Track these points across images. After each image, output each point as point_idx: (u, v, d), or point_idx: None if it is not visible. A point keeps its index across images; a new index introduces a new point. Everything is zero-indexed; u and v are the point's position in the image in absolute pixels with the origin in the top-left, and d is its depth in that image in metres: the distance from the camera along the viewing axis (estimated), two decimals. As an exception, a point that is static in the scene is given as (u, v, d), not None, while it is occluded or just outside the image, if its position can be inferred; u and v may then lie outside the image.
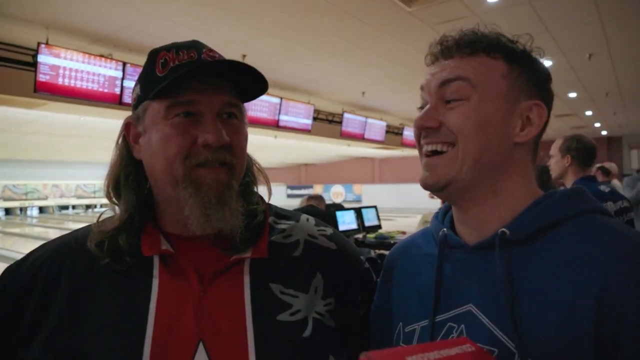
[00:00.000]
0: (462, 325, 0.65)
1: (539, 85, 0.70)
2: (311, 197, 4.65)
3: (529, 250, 0.63)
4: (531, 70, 0.70)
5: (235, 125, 0.74)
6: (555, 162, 2.56)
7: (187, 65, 0.71)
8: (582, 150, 2.47)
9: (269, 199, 0.85)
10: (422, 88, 0.73)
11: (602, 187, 2.55)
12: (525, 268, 0.62)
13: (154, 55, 0.76)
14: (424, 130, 0.70)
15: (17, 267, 0.77)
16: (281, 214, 0.85)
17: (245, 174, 0.80)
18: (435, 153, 0.69)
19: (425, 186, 0.70)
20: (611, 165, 4.47)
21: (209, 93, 0.72)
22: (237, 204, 0.73)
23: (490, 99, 0.66)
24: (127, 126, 0.78)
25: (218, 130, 0.70)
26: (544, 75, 0.72)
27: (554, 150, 2.58)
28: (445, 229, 0.73)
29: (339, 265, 0.80)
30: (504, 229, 0.64)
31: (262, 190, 0.85)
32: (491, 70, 0.68)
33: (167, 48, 0.75)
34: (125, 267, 0.72)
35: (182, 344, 0.66)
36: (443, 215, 0.78)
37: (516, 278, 0.62)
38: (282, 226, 0.81)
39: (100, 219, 0.77)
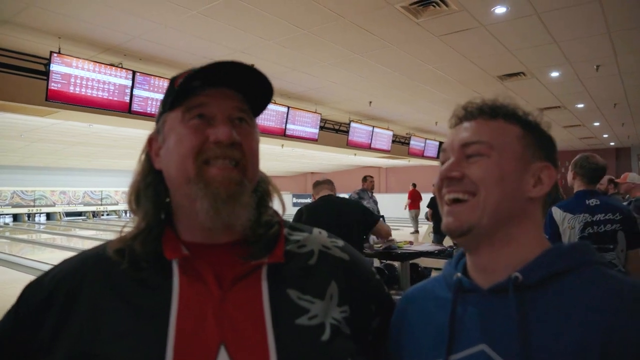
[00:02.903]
0: None
1: (549, 151, 0.79)
2: (320, 183, 4.09)
3: (541, 295, 0.69)
4: (542, 137, 0.79)
5: (245, 129, 0.77)
6: (568, 174, 3.04)
7: (197, 72, 0.74)
8: (585, 168, 2.88)
9: (283, 213, 0.87)
10: (444, 150, 0.81)
11: (590, 201, 2.81)
12: (537, 311, 0.68)
13: (174, 78, 0.79)
14: (447, 179, 0.77)
15: (38, 282, 0.79)
16: (294, 226, 0.88)
17: (260, 185, 0.82)
18: (456, 201, 0.76)
19: (449, 231, 0.76)
20: (633, 176, 4.50)
21: (220, 97, 0.76)
22: (249, 199, 0.75)
23: (507, 158, 0.75)
24: (149, 141, 0.82)
25: (228, 128, 0.74)
26: (552, 143, 0.81)
27: (571, 164, 3.01)
28: (459, 274, 0.78)
29: (352, 275, 0.82)
30: (517, 274, 0.70)
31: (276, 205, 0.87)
32: (508, 133, 0.76)
33: (188, 71, 0.78)
34: (145, 274, 0.73)
35: (203, 348, 0.67)
36: (456, 263, 0.83)
37: (529, 320, 0.67)
38: (297, 237, 0.83)
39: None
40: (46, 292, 0.76)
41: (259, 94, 0.80)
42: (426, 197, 10.48)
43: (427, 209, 8.28)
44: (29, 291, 0.78)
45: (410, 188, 10.62)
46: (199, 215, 0.73)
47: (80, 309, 0.72)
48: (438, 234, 7.30)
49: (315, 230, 0.89)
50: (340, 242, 0.88)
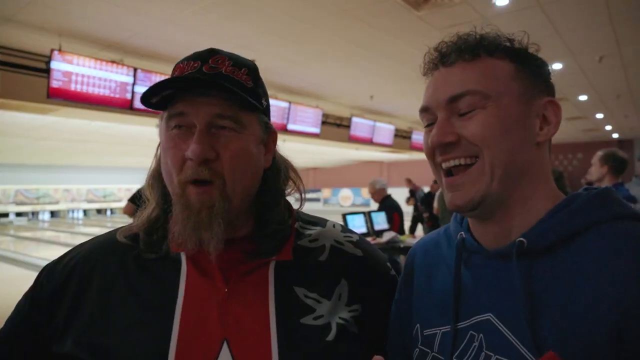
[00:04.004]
0: (481, 335, 0.64)
1: (547, 82, 0.68)
2: None
3: (551, 261, 0.60)
4: (537, 67, 0.67)
5: (226, 138, 0.71)
6: (596, 169, 3.28)
7: (179, 79, 0.71)
8: (618, 161, 3.22)
9: (302, 205, 0.85)
10: (425, 109, 0.68)
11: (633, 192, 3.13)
12: (546, 279, 0.60)
13: (175, 66, 0.77)
14: (440, 147, 0.65)
15: (54, 267, 0.80)
16: (308, 219, 0.86)
17: (271, 182, 0.79)
18: (454, 171, 0.65)
19: (457, 208, 0.65)
20: None
21: (198, 105, 0.70)
22: (219, 227, 0.69)
23: (507, 103, 0.63)
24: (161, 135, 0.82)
25: (198, 145, 0.68)
26: (547, 71, 0.69)
27: (595, 159, 3.30)
28: (462, 233, 0.71)
29: (364, 271, 0.80)
30: (521, 239, 0.62)
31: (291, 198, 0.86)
32: (499, 73, 0.64)
33: (186, 57, 0.76)
34: (155, 266, 0.74)
35: (207, 343, 0.68)
36: (462, 216, 0.74)
37: (537, 289, 0.60)
38: (309, 231, 0.82)
39: (138, 214, 0.81)
40: (61, 278, 0.77)
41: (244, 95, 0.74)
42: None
43: (425, 214, 8.23)
44: (45, 276, 0.79)
45: (405, 183, 10.59)
46: (178, 234, 0.72)
47: (90, 299, 0.73)
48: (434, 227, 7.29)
49: (330, 224, 0.87)
50: (355, 237, 0.86)
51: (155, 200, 0.78)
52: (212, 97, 0.70)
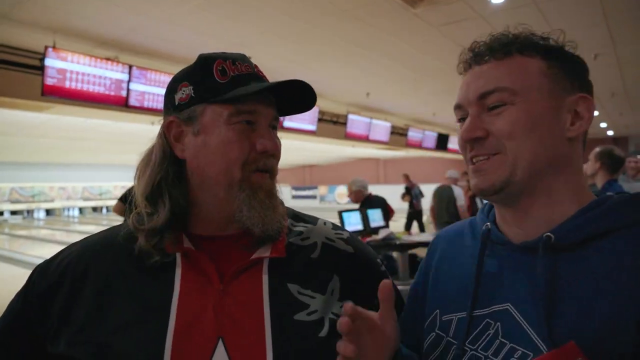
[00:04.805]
0: (498, 324, 0.65)
1: (580, 78, 0.68)
2: None
3: (577, 257, 0.61)
4: (570, 64, 0.68)
5: (276, 136, 0.80)
6: (591, 165, 3.41)
7: (249, 77, 0.77)
8: (614, 159, 3.31)
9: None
10: (458, 107, 0.71)
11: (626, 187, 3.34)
12: (571, 275, 0.61)
13: (208, 61, 0.78)
14: (470, 142, 0.68)
15: (47, 265, 0.79)
16: (299, 216, 0.87)
17: None
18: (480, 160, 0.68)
19: (480, 192, 0.68)
20: None
21: (266, 105, 0.78)
22: (281, 206, 0.79)
23: (535, 99, 0.64)
24: (169, 125, 0.78)
25: (274, 139, 0.77)
26: (583, 68, 0.70)
27: (591, 155, 3.39)
28: (489, 224, 0.72)
29: (355, 268, 0.81)
30: (549, 234, 0.63)
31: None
32: (530, 70, 0.65)
33: (222, 57, 0.78)
34: (150, 264, 0.74)
35: (202, 341, 0.68)
36: (489, 209, 0.77)
37: (560, 284, 0.61)
38: (300, 229, 0.83)
39: (135, 218, 0.76)
40: (54, 277, 0.76)
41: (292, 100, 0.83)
42: (424, 189, 10.47)
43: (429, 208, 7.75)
44: (38, 275, 0.79)
45: (403, 179, 10.53)
46: (245, 222, 0.74)
47: (85, 297, 0.73)
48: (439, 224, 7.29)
49: (320, 221, 0.88)
50: (346, 234, 0.87)
51: (165, 208, 0.75)
52: (271, 99, 0.79)
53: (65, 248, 0.82)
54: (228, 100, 0.74)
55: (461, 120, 0.71)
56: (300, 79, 0.79)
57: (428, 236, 5.28)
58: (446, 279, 0.77)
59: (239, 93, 0.74)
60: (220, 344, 0.68)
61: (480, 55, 0.68)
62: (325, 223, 0.88)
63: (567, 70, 0.67)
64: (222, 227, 0.78)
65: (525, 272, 0.65)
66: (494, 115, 0.65)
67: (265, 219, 0.74)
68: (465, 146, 0.70)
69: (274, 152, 0.77)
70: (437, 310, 0.75)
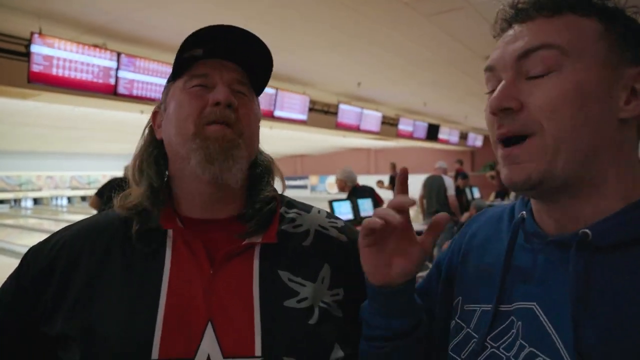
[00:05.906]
0: (520, 323, 0.59)
1: None
2: None
3: (617, 259, 0.53)
4: (632, 31, 0.56)
5: (243, 100, 0.79)
6: None
7: (197, 35, 0.76)
8: None
9: (283, 191, 0.88)
10: (490, 69, 0.59)
11: None
12: (604, 278, 0.53)
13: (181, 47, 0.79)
14: (499, 113, 0.56)
15: (40, 248, 0.80)
16: (293, 204, 0.88)
17: (262, 162, 0.85)
18: (511, 141, 0.56)
19: (513, 185, 0.57)
20: None
21: (221, 69, 0.78)
22: (243, 154, 0.76)
23: (588, 66, 0.53)
24: (154, 115, 0.85)
25: (227, 91, 0.76)
26: None
27: None
28: (524, 212, 0.64)
29: (348, 257, 0.81)
30: (585, 230, 0.54)
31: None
32: (584, 31, 0.54)
33: (191, 35, 0.79)
34: (142, 246, 0.74)
35: (192, 323, 0.68)
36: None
37: (593, 288, 0.53)
38: (292, 216, 0.83)
39: (121, 198, 0.81)
40: (47, 260, 0.77)
41: (259, 69, 0.83)
42: (412, 179, 10.51)
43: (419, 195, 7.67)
44: (31, 257, 0.79)
45: (390, 169, 10.46)
46: (195, 169, 0.74)
47: (79, 279, 0.73)
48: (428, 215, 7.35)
49: (315, 209, 0.88)
50: (340, 223, 0.88)
51: (148, 178, 0.79)
52: (230, 65, 0.79)
53: (58, 231, 0.83)
54: (180, 69, 0.78)
55: (490, 94, 0.59)
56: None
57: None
58: (475, 266, 0.70)
59: (182, 58, 0.76)
60: (210, 327, 0.68)
61: (524, 11, 0.58)
62: (319, 211, 0.88)
63: (628, 37, 0.55)
64: (206, 207, 0.78)
65: (558, 270, 0.57)
66: (534, 86, 0.54)
67: (211, 160, 0.72)
68: (493, 121, 0.58)
69: (228, 102, 0.75)
70: (460, 297, 0.70)
